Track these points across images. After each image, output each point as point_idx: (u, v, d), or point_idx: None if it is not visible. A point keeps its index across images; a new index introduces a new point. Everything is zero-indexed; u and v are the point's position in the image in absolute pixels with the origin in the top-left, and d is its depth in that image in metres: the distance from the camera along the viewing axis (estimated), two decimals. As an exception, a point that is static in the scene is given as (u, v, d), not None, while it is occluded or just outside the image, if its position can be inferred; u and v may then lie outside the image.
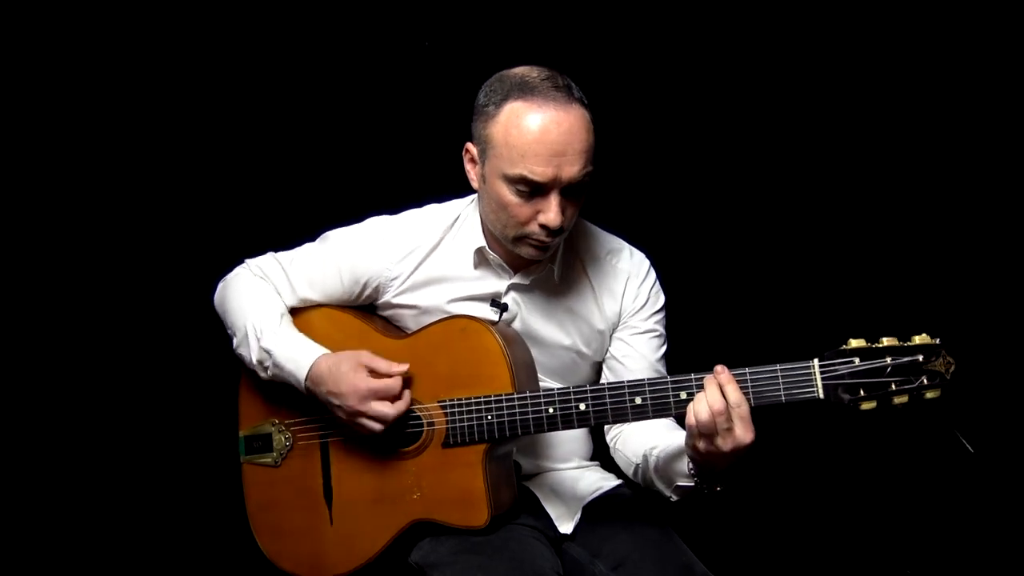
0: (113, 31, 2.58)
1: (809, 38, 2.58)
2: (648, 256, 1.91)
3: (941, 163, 2.56)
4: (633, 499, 1.89)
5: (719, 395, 1.52)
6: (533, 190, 1.65)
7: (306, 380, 1.74)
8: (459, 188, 1.89)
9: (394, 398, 1.70)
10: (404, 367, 1.71)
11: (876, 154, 2.59)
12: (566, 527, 1.84)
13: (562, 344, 1.85)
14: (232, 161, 2.67)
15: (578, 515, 1.86)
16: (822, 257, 2.62)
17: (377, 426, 1.70)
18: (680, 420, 1.61)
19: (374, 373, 1.71)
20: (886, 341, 1.51)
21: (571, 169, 1.63)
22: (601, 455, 2.00)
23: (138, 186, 2.66)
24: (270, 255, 1.93)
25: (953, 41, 2.50)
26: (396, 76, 2.66)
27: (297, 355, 1.76)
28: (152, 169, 2.66)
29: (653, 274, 1.90)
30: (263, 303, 1.85)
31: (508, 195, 1.67)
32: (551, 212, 1.65)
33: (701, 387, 1.55)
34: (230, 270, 1.97)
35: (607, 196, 2.06)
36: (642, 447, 1.81)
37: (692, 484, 1.67)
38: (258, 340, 1.79)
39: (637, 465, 1.82)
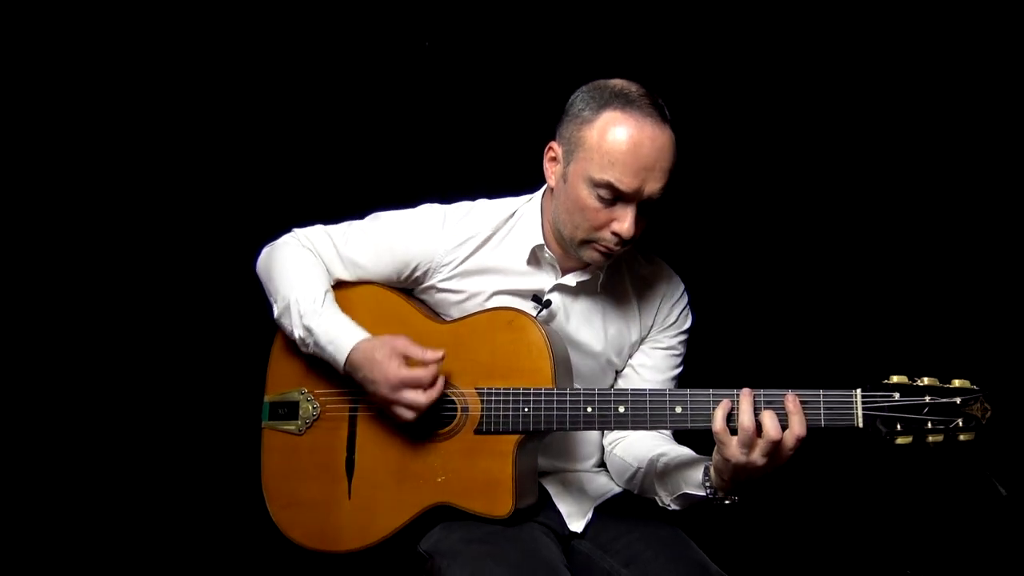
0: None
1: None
2: (700, 283, 1.96)
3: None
4: (645, 501, 1.90)
5: (775, 422, 1.55)
6: (615, 198, 1.68)
7: (345, 364, 1.74)
8: (458, 187, 1.92)
9: (426, 386, 1.70)
10: (439, 354, 1.71)
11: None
12: (577, 525, 1.86)
13: (594, 350, 1.88)
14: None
15: (590, 514, 1.87)
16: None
17: (409, 414, 1.71)
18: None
19: (410, 360, 1.72)
20: (927, 380, 1.56)
21: (654, 185, 1.68)
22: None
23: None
24: (320, 227, 1.93)
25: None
26: (396, 75, 2.68)
27: (337, 339, 1.76)
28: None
29: (686, 298, 1.96)
30: (309, 277, 1.84)
31: (588, 198, 1.70)
32: (627, 222, 1.69)
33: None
34: (276, 237, 1.96)
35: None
36: (647, 452, 1.83)
37: (702, 494, 1.68)
38: (300, 317, 1.79)
39: (638, 469, 1.83)
